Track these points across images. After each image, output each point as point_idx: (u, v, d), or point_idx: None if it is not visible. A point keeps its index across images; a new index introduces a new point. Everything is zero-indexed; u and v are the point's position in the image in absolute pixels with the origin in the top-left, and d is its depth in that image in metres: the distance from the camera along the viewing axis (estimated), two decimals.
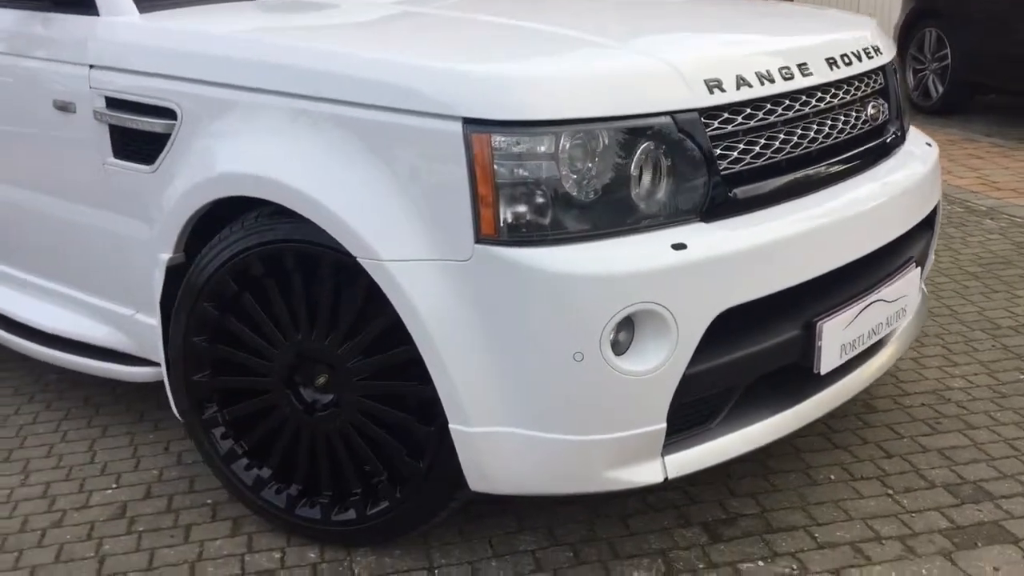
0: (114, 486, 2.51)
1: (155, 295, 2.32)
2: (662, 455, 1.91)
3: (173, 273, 2.26)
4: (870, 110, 2.31)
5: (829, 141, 2.18)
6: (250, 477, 2.24)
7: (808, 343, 2.04)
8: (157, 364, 2.58)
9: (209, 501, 2.42)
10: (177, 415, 2.40)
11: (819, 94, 2.16)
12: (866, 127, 2.31)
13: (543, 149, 1.77)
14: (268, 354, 2.14)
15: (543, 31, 2.14)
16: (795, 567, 2.09)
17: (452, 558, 2.16)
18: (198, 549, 2.23)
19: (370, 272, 1.89)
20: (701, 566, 2.11)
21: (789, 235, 1.97)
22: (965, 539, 2.17)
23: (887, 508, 2.29)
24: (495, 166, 1.77)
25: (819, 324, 2.03)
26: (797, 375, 2.11)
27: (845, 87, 2.24)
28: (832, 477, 2.43)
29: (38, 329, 2.77)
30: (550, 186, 1.78)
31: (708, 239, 1.86)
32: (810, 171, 2.12)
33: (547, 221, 1.79)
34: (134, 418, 2.87)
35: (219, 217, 2.19)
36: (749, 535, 2.21)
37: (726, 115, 1.96)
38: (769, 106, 2.03)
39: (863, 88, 2.30)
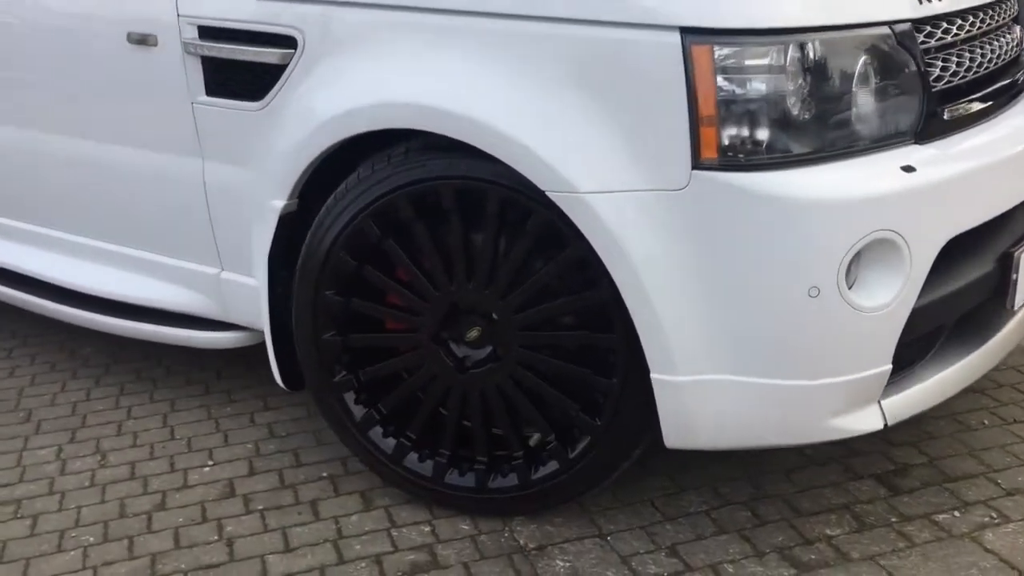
0: (210, 463, 2.26)
1: (262, 248, 2.08)
2: (879, 400, 1.75)
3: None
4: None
5: (1006, 60, 2.04)
6: (389, 445, 2.02)
7: (1004, 276, 1.90)
8: (242, 328, 2.35)
9: (325, 474, 2.19)
10: (280, 382, 2.17)
11: (991, 12, 2.02)
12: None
13: (769, 61, 1.58)
14: (416, 307, 1.92)
15: None
16: (994, 516, 1.96)
17: (620, 523, 1.98)
18: (334, 526, 2.00)
19: (563, 207, 1.68)
20: (894, 519, 1.96)
21: (997, 159, 1.82)
22: None
23: None
24: (718, 81, 1.57)
25: (1017, 255, 1.89)
26: (983, 312, 1.97)
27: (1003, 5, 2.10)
28: (985, 422, 2.31)
29: (99, 297, 2.49)
30: (775, 103, 1.59)
31: (931, 161, 1.70)
32: (998, 91, 1.97)
33: (772, 143, 1.61)
34: (199, 390, 2.61)
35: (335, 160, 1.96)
36: (928, 485, 2.07)
37: (929, 28, 1.79)
38: (971, 19, 1.87)
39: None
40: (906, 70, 1.71)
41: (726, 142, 1.59)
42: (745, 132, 1.60)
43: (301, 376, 2.19)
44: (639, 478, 2.11)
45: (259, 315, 2.22)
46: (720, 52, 1.57)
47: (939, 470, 2.12)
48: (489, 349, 1.91)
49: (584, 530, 1.96)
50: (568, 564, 1.86)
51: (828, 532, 1.93)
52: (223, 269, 2.30)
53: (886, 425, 1.75)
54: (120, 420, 2.48)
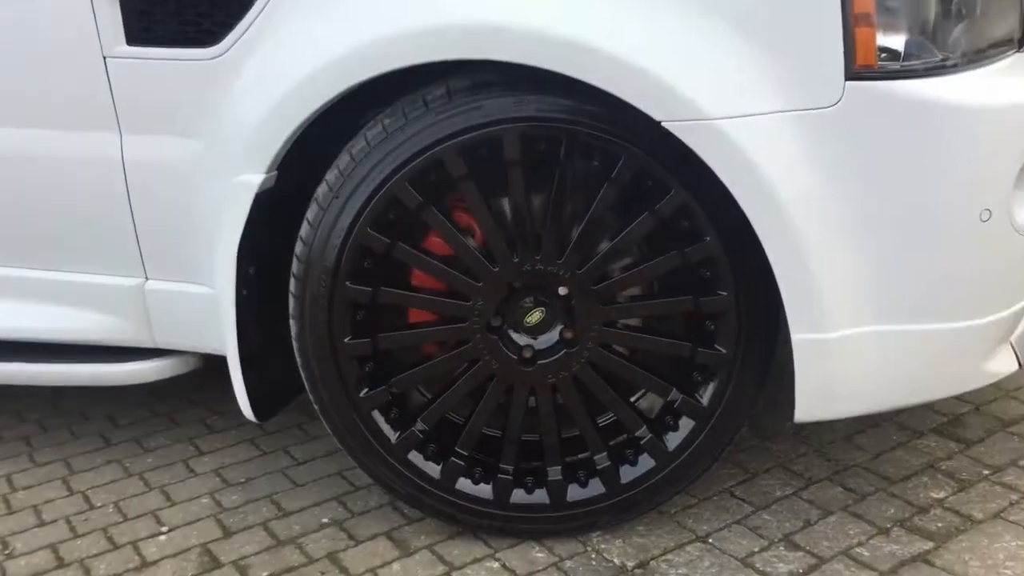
0: (164, 529, 1.73)
1: (228, 239, 1.59)
2: (1010, 340, 1.58)
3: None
4: None
5: None
6: (435, 469, 1.60)
7: None
8: (169, 353, 1.84)
9: (326, 519, 1.73)
10: (249, 414, 1.69)
11: None
12: None
13: None
14: (467, 288, 1.52)
15: None
16: None
17: (711, 522, 1.68)
18: None
19: (687, 139, 1.36)
20: (986, 472, 1.80)
21: None
22: None
23: None
24: None
25: None
26: None
27: None
28: None
29: None
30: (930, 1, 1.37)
31: None
32: None
33: (927, 46, 1.38)
34: (96, 443, 2.05)
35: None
36: (992, 432, 1.94)
37: None
38: None
39: None
40: None
41: (892, 45, 1.34)
42: (908, 34, 1.36)
43: (272, 403, 1.74)
44: None
45: (204, 332, 1.74)
46: None
47: (992, 416, 2.00)
48: (556, 334, 1.56)
49: (678, 536, 1.65)
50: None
51: (935, 496, 1.74)
52: (148, 278, 1.77)
53: (1021, 364, 1.58)
54: (2, 494, 1.87)
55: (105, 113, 1.65)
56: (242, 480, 1.87)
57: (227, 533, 1.71)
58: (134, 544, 1.68)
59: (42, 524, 1.76)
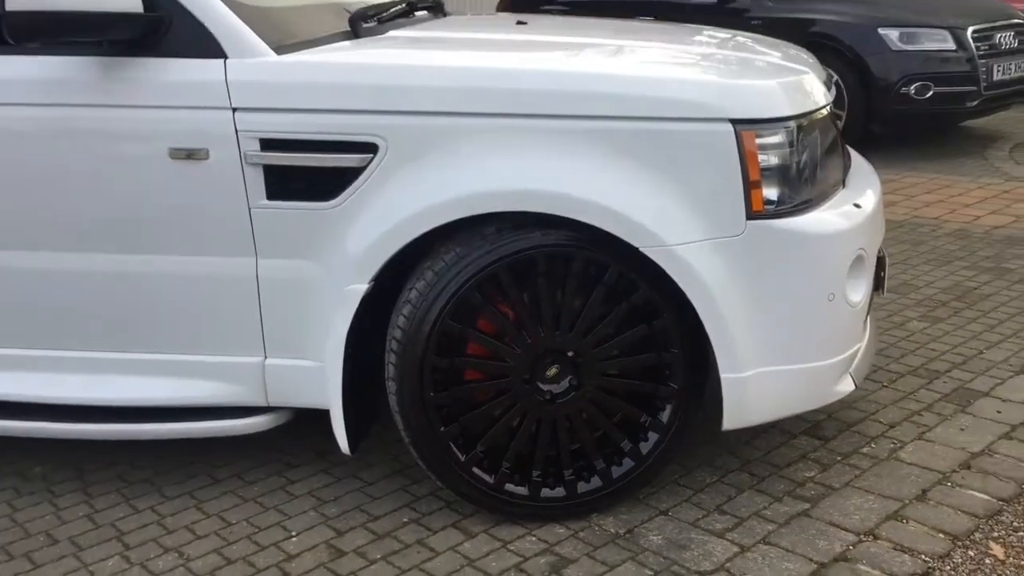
0: (293, 535, 2.44)
1: (339, 328, 2.35)
2: (849, 371, 2.49)
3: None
4: None
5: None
6: (488, 477, 2.39)
7: (880, 273, 2.74)
8: (272, 410, 2.56)
9: (406, 520, 2.48)
10: (346, 448, 2.43)
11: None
12: None
13: (785, 139, 2.26)
14: (510, 355, 2.33)
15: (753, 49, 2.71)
16: (896, 441, 2.78)
17: (668, 502, 2.52)
18: (457, 558, 2.33)
19: (655, 258, 2.21)
20: (838, 458, 2.71)
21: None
22: None
23: None
24: (760, 155, 2.22)
25: (884, 258, 2.74)
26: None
27: None
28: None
29: (117, 407, 2.53)
30: (791, 167, 2.27)
31: (860, 201, 2.48)
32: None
33: (792, 196, 2.28)
34: (276, 485, 2.72)
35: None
36: (840, 432, 2.85)
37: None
38: None
39: None
40: (833, 139, 2.48)
41: (769, 197, 2.24)
42: (777, 190, 2.26)
43: (360, 439, 2.49)
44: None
45: (311, 394, 2.48)
46: (761, 135, 2.21)
47: (840, 420, 2.92)
48: (567, 382, 2.38)
49: (648, 512, 2.48)
50: (660, 536, 2.38)
51: (807, 475, 2.63)
52: (267, 356, 2.49)
53: (856, 387, 2.49)
54: (156, 520, 2.54)
55: (246, 244, 2.39)
56: (332, 498, 2.60)
57: (338, 533, 2.44)
58: (276, 545, 2.40)
59: (198, 537, 2.45)
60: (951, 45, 6.53)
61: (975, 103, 6.60)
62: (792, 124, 2.28)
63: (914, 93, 6.51)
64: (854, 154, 2.96)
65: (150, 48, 2.33)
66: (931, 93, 6.51)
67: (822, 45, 6.72)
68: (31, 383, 2.53)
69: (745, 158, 2.21)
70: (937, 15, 6.69)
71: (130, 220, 2.40)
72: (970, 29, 6.57)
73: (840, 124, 6.64)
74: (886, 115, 6.70)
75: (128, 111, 2.34)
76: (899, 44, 6.55)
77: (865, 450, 2.75)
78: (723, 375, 2.30)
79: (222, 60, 2.33)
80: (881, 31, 6.59)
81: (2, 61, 2.36)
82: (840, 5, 6.92)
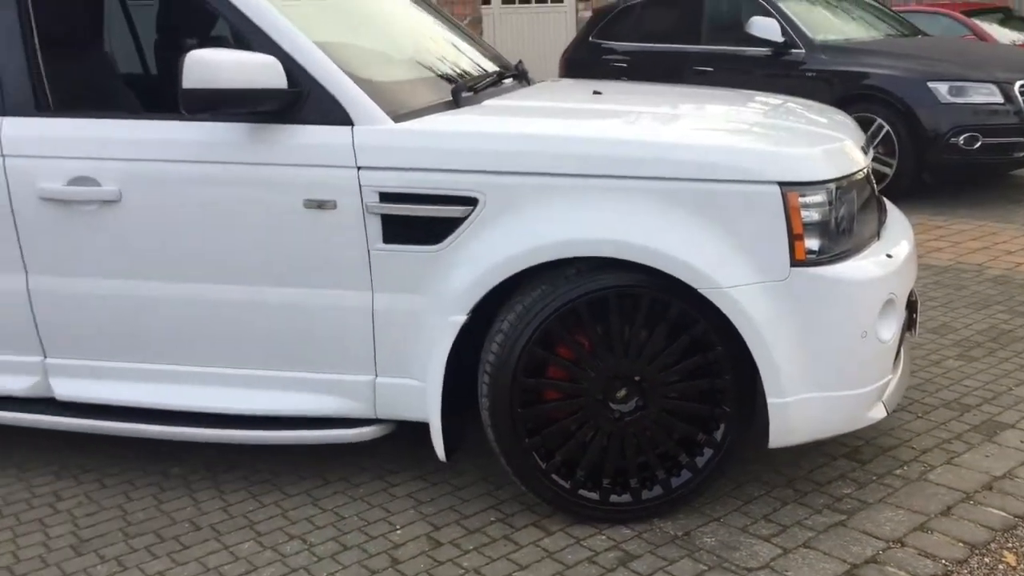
0: (397, 529, 2.86)
1: (440, 353, 2.78)
2: (882, 399, 2.85)
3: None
4: None
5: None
6: (566, 483, 2.79)
7: (912, 314, 3.10)
8: (383, 422, 2.99)
9: (492, 519, 2.89)
10: (442, 456, 2.85)
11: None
12: None
13: (825, 198, 2.65)
14: (586, 379, 2.73)
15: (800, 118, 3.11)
16: (925, 465, 3.12)
17: (720, 510, 2.89)
18: (538, 551, 2.73)
19: (711, 298, 2.61)
20: (873, 478, 3.06)
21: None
22: None
23: None
24: (802, 212, 2.61)
25: (916, 301, 3.10)
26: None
27: None
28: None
29: (252, 416, 2.99)
30: (830, 222, 2.66)
31: (892, 251, 2.85)
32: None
33: (830, 246, 2.67)
34: (379, 487, 3.15)
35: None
36: (877, 456, 3.20)
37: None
38: None
39: None
40: (868, 198, 2.87)
41: (810, 248, 2.63)
42: (818, 241, 2.65)
43: (453, 449, 2.91)
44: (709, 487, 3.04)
45: (414, 408, 2.90)
46: (804, 195, 2.61)
47: (876, 446, 3.27)
48: (634, 403, 2.77)
49: (704, 518, 2.86)
50: (713, 538, 2.75)
51: (845, 491, 2.99)
52: (377, 376, 2.93)
53: (888, 413, 2.85)
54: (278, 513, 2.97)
55: (365, 280, 2.84)
56: (428, 499, 3.02)
57: (435, 527, 2.86)
58: (384, 535, 2.82)
59: (317, 527, 2.88)
60: (999, 99, 6.85)
61: (1022, 154, 6.90)
62: (832, 185, 2.67)
63: (963, 144, 6.83)
64: (890, 206, 3.33)
65: (291, 116, 2.81)
66: (979, 144, 6.82)
67: (874, 97, 7.09)
68: (183, 394, 3.01)
69: (790, 214, 2.60)
70: (985, 69, 7.02)
71: (269, 258, 2.86)
72: (1017, 84, 6.89)
73: (891, 173, 7.02)
74: (936, 165, 7.03)
75: (271, 168, 2.82)
76: (948, 97, 6.88)
77: (898, 472, 3.10)
78: (769, 399, 2.68)
79: (350, 127, 2.80)
80: (931, 84, 6.93)
81: (173, 126, 2.86)
82: (891, 59, 7.28)
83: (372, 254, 2.82)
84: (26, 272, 3.02)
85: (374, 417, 2.98)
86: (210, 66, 2.65)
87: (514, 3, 14.43)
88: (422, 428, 2.89)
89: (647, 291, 2.67)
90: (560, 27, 14.58)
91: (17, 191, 2.95)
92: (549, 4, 14.73)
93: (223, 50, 2.70)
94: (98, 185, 2.89)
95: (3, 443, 3.47)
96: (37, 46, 3.01)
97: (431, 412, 2.84)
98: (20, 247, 2.99)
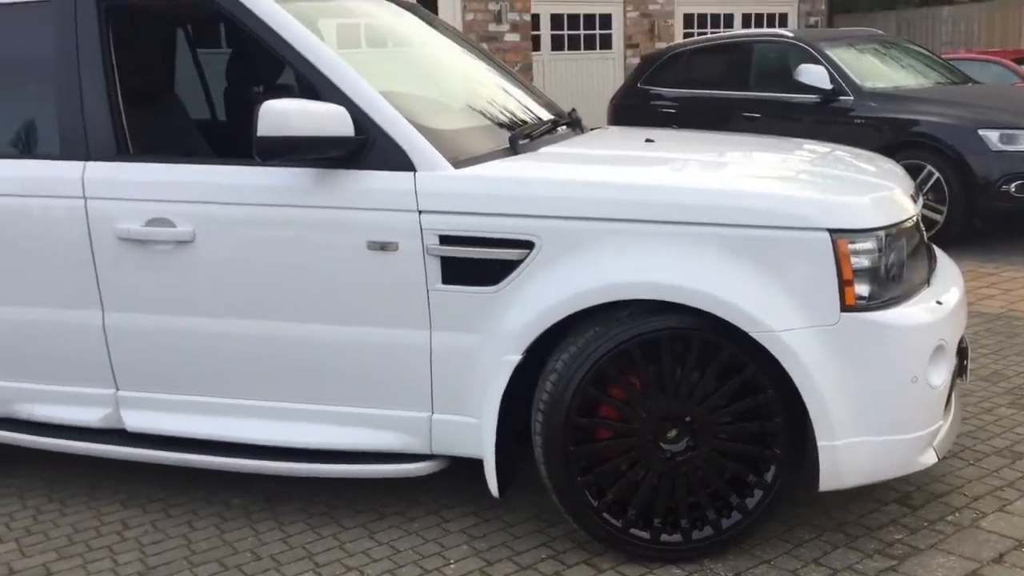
0: (451, 563, 2.93)
1: (495, 391, 2.86)
2: (932, 444, 2.87)
3: None
4: None
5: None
6: (618, 521, 2.84)
7: (962, 361, 3.12)
8: (438, 458, 3.06)
9: (543, 556, 2.94)
10: (495, 491, 2.91)
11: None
12: None
13: (874, 245, 2.70)
14: (637, 419, 2.79)
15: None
16: (977, 512, 3.12)
17: (771, 553, 2.92)
18: None
19: (762, 341, 2.67)
20: (925, 524, 3.07)
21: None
22: None
23: None
24: (852, 258, 2.67)
25: (966, 347, 3.13)
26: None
27: None
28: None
29: (315, 450, 3.09)
30: (879, 268, 2.71)
31: (942, 298, 2.89)
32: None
33: (880, 292, 2.72)
34: (433, 522, 3.23)
35: None
36: (928, 502, 3.21)
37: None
38: None
39: None
40: (919, 246, 2.92)
41: (860, 294, 2.68)
42: (867, 287, 2.69)
43: (508, 485, 2.97)
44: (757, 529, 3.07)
45: (468, 445, 2.98)
46: (853, 242, 2.67)
47: (927, 491, 3.28)
48: (685, 443, 2.83)
49: (754, 560, 2.89)
50: None
51: (896, 537, 3.00)
52: (434, 413, 3.02)
53: (939, 459, 2.87)
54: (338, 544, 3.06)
55: (424, 319, 2.93)
56: (481, 535, 3.08)
57: (488, 563, 2.92)
58: (438, 569, 2.89)
59: (373, 560, 2.95)
60: None
61: None
62: (881, 233, 2.72)
63: (1014, 191, 6.81)
64: (940, 254, 3.37)
65: (356, 162, 2.93)
66: None
67: (923, 144, 7.11)
68: (245, 427, 3.12)
69: (840, 261, 2.66)
70: None
71: (333, 297, 2.98)
72: None
73: (941, 220, 7.01)
74: (986, 212, 7.01)
75: (336, 211, 2.94)
76: (999, 144, 6.88)
77: (950, 518, 3.11)
78: (819, 442, 2.72)
79: (412, 173, 2.91)
80: (981, 132, 6.93)
81: (244, 171, 3.01)
82: (941, 106, 7.30)
83: (431, 294, 2.91)
84: (103, 309, 3.16)
85: (430, 453, 3.06)
86: (283, 115, 2.79)
87: (563, 50, 14.66)
88: (476, 464, 2.97)
89: (699, 334, 2.74)
90: (608, 73, 14.78)
91: (97, 232, 3.10)
92: (598, 51, 14.95)
93: (295, 100, 2.84)
94: (173, 226, 3.04)
95: (73, 473, 3.60)
96: (119, 96, 3.18)
97: (485, 449, 2.92)
98: (98, 285, 3.14)
